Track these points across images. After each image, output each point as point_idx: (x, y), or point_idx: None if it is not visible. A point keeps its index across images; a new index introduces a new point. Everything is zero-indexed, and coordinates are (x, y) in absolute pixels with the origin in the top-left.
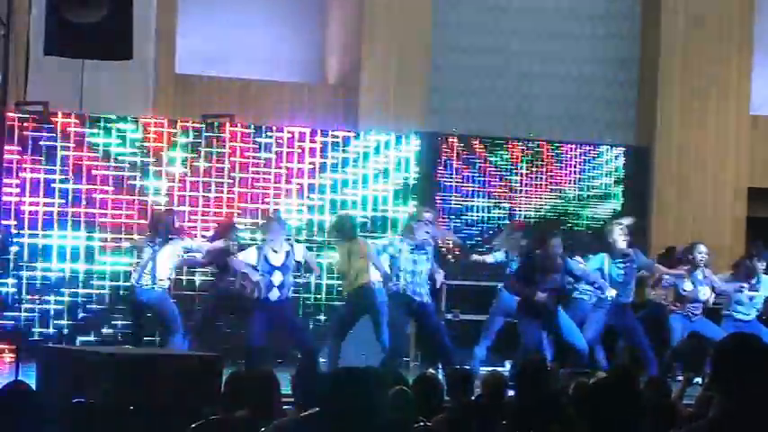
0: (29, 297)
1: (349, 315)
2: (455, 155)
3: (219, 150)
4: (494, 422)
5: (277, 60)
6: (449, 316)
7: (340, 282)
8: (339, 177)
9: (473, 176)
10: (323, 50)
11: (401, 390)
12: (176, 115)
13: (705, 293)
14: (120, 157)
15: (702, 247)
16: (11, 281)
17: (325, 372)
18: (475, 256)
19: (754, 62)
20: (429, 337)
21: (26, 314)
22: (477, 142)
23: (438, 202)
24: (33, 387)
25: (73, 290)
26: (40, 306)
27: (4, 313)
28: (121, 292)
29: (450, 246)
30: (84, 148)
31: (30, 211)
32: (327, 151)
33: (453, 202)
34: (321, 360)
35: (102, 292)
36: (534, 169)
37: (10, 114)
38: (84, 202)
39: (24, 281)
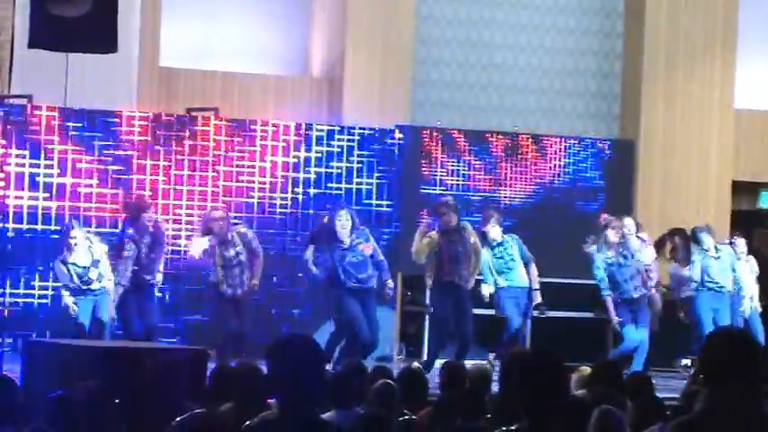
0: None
1: None
2: (439, 148)
3: (203, 144)
4: (478, 416)
5: (261, 53)
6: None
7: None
8: (323, 171)
9: (457, 170)
10: (307, 44)
11: (386, 383)
12: (160, 109)
13: None
14: (104, 151)
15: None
16: None
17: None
18: None
19: (739, 55)
20: None
21: (10, 308)
22: (461, 136)
23: (422, 195)
24: (18, 382)
25: (57, 284)
26: (24, 300)
27: None
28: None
29: None
30: (69, 141)
31: (14, 205)
32: (311, 145)
33: (437, 195)
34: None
35: None
36: (518, 162)
37: None
38: (68, 196)
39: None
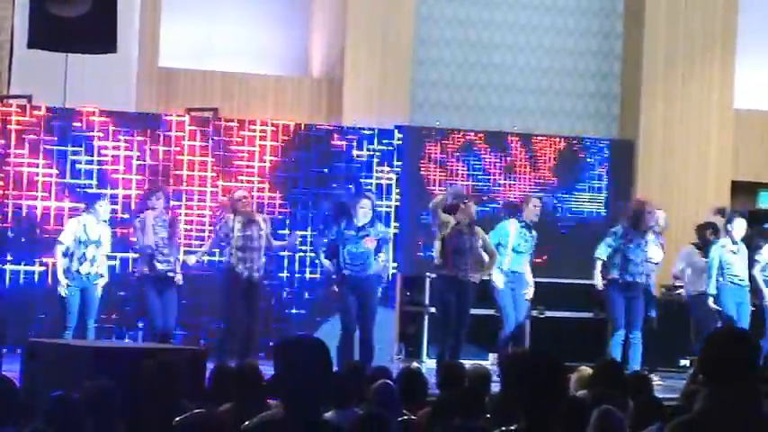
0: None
1: None
2: (438, 148)
3: (203, 144)
4: (477, 416)
5: (261, 54)
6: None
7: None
8: (323, 171)
9: (456, 170)
10: (306, 44)
11: (385, 383)
12: (160, 109)
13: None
14: (102, 152)
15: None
16: None
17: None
18: None
19: (738, 56)
20: None
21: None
22: (461, 136)
23: (421, 195)
24: (17, 382)
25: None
26: (24, 299)
27: None
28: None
29: None
30: (68, 142)
31: (13, 205)
32: (311, 145)
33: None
34: None
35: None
36: (518, 162)
37: None
38: (67, 196)
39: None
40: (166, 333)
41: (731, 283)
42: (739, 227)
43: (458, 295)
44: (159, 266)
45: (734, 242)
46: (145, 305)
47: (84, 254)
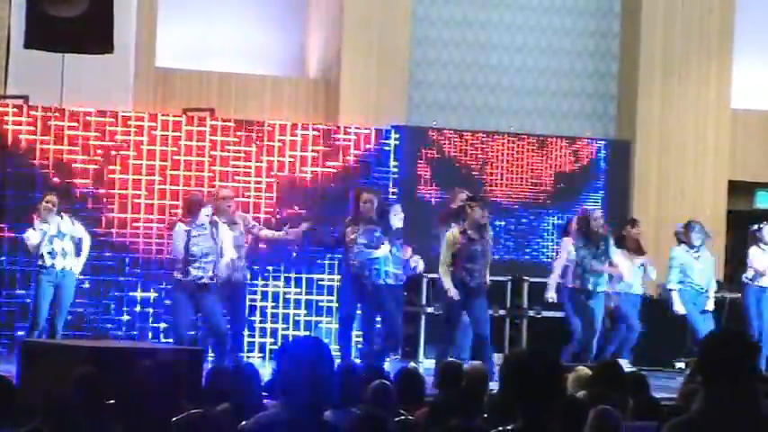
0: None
1: None
2: (435, 149)
3: (199, 144)
4: (475, 416)
5: (257, 54)
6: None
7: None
8: (319, 171)
9: (453, 171)
10: (303, 44)
11: (382, 383)
12: (157, 109)
13: None
14: (99, 152)
15: None
16: None
17: None
18: None
19: (735, 55)
20: None
21: (7, 308)
22: (458, 136)
23: (418, 196)
24: (15, 382)
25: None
26: (20, 300)
27: None
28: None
29: None
30: (65, 141)
31: (9, 206)
32: (308, 145)
33: (434, 196)
34: None
35: (84, 286)
36: (514, 163)
37: None
38: (63, 196)
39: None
40: (220, 334)
41: (691, 288)
42: (698, 237)
43: (466, 300)
44: (194, 273)
45: (693, 247)
46: (173, 309)
47: (51, 250)
